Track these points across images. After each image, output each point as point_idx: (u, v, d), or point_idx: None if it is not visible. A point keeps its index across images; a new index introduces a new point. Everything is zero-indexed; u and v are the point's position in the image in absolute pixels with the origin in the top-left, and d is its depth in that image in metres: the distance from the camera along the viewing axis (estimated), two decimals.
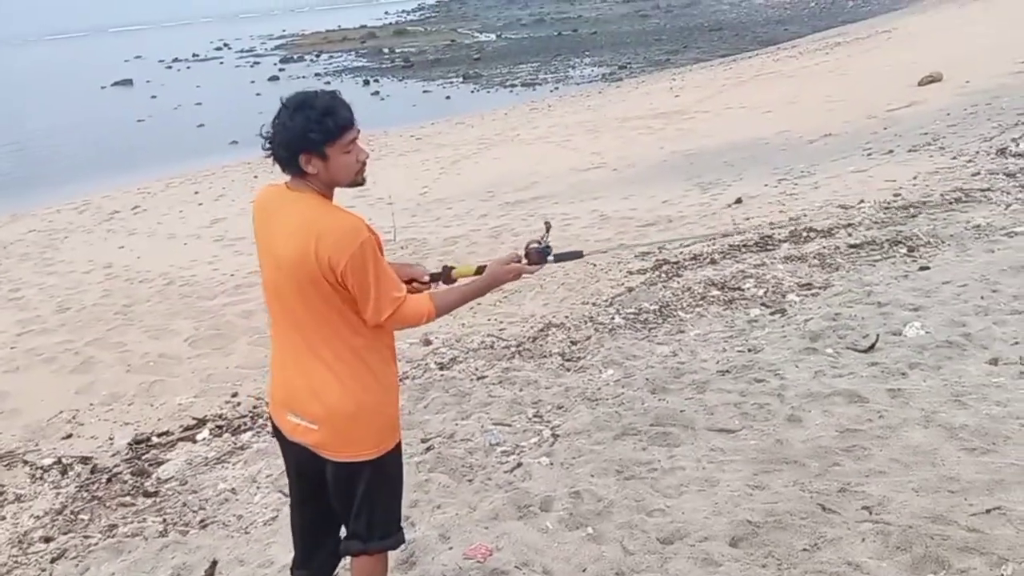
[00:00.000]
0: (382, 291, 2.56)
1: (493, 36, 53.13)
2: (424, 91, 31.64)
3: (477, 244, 9.33)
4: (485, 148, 17.03)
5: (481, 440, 4.58)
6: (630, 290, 6.92)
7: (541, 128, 18.86)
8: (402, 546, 2.97)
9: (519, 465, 4.20)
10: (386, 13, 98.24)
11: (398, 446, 2.81)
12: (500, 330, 6.52)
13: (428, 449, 4.55)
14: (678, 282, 6.83)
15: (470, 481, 4.16)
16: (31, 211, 15.87)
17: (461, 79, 33.66)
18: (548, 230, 3.03)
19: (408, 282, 2.91)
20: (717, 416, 4.39)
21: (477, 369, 5.71)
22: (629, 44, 40.41)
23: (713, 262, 7.24)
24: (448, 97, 29.27)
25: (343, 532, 2.91)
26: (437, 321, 6.60)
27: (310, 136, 2.49)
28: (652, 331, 5.93)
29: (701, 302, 6.28)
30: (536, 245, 2.92)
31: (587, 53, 38.64)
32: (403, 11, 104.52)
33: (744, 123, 15.37)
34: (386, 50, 49.46)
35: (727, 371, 4.94)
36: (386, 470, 2.78)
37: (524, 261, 2.89)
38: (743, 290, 6.36)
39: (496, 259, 2.89)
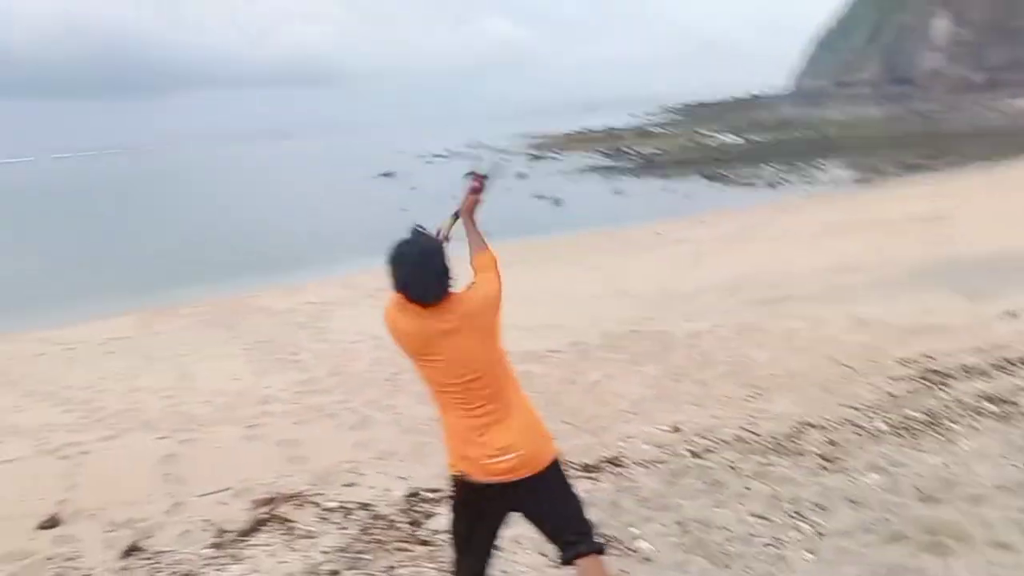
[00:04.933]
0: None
1: (738, 138, 53.07)
2: (664, 189, 32.01)
3: (724, 339, 9.38)
4: (728, 246, 17.05)
5: (739, 530, 4.63)
6: (892, 396, 6.77)
7: (788, 228, 18.67)
8: None
9: (781, 558, 4.23)
10: (630, 115, 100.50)
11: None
12: (752, 424, 6.54)
13: (685, 532, 4.66)
14: (946, 392, 6.62)
15: (728, 567, 4.23)
16: (303, 286, 17.40)
17: (703, 178, 33.81)
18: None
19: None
20: (997, 531, 4.23)
21: (731, 461, 5.75)
22: (881, 148, 38.96)
23: (984, 374, 6.95)
24: (689, 196, 29.46)
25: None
26: (687, 410, 6.78)
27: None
28: (918, 439, 5.77)
29: (973, 414, 6.04)
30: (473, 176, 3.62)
31: (835, 156, 37.70)
32: (647, 113, 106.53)
33: (1011, 232, 14.54)
34: (629, 150, 50.53)
35: (1006, 487, 4.73)
36: (562, 471, 3.44)
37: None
38: (1020, 406, 6.07)
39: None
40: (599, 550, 3.48)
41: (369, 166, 51.99)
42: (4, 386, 10.65)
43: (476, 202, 3.58)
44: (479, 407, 3.29)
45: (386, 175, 47.25)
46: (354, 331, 11.50)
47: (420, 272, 3.21)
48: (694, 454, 6.01)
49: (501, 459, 3.28)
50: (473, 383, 3.27)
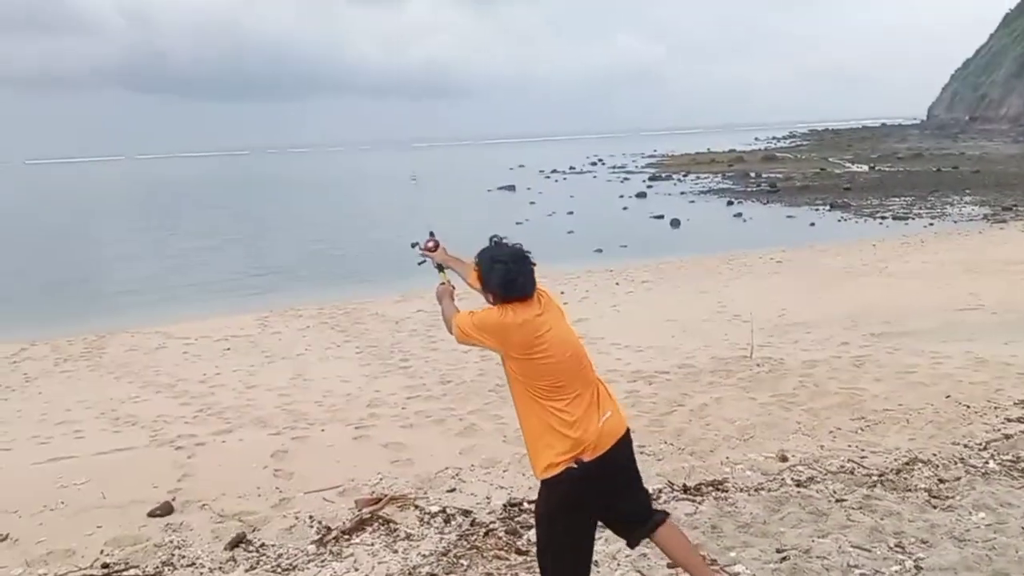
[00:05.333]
0: None
1: (866, 167, 51.66)
2: (788, 216, 31.38)
3: (838, 371, 9.17)
4: (850, 277, 16.61)
5: (838, 560, 4.55)
6: (1007, 437, 6.52)
7: (913, 263, 18.06)
8: None
9: None
10: (756, 139, 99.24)
11: None
12: (861, 457, 6.38)
13: (784, 559, 4.60)
14: None
15: None
16: (419, 294, 17.78)
17: (828, 207, 33.04)
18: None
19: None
20: None
21: (836, 492, 5.64)
22: (1016, 186, 37.16)
23: None
24: (812, 224, 28.78)
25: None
26: (795, 439, 6.65)
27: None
28: None
29: None
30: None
31: (968, 191, 36.20)
32: (774, 138, 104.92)
33: None
34: (752, 174, 49.85)
35: None
36: None
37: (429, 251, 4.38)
38: None
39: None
40: (668, 516, 3.92)
41: (491, 179, 52.82)
42: (124, 377, 11.26)
43: (443, 253, 4.35)
44: (586, 382, 3.66)
45: (507, 188, 47.89)
46: None
47: (524, 269, 3.64)
48: (798, 483, 5.91)
49: (605, 417, 3.64)
50: (575, 360, 3.64)
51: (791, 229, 27.74)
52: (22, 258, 29.46)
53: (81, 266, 27.24)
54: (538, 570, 3.93)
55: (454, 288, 4.22)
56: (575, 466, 3.55)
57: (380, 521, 5.62)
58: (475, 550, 5.05)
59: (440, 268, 4.32)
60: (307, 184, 72.18)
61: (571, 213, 34.34)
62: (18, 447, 8.16)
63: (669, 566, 4.61)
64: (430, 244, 4.39)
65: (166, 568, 5.19)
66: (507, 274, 3.61)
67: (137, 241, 33.84)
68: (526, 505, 5.65)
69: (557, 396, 3.58)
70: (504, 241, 3.79)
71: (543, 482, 3.67)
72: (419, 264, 4.49)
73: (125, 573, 5.14)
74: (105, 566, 5.25)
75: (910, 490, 5.60)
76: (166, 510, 6.09)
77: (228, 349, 12.77)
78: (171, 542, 5.58)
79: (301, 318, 15.37)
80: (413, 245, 4.45)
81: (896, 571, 4.35)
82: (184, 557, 5.34)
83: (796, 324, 12.32)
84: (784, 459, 6.48)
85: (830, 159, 60.11)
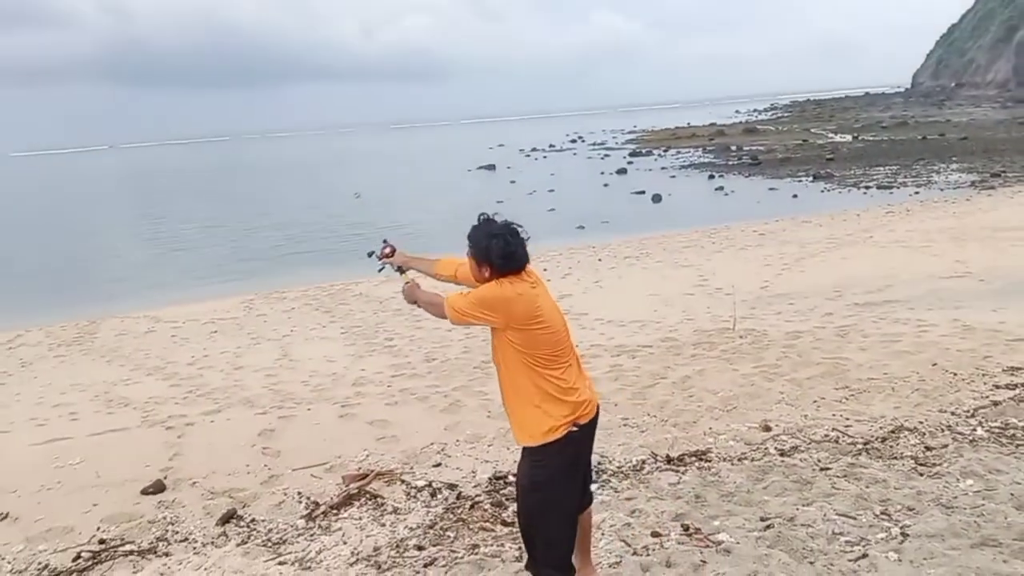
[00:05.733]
0: None
1: (849, 137, 51.63)
2: (770, 188, 31.30)
3: (822, 341, 9.20)
4: (834, 248, 16.64)
5: (823, 527, 4.58)
6: (996, 404, 6.55)
7: (898, 232, 18.09)
8: None
9: (864, 556, 4.17)
10: (737, 112, 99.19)
11: None
12: (846, 426, 6.42)
13: (768, 527, 4.63)
14: None
15: (811, 563, 4.20)
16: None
17: (811, 178, 33.01)
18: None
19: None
20: None
21: (820, 460, 5.68)
22: (1005, 151, 37.00)
23: None
24: (795, 195, 28.72)
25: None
26: (778, 409, 6.68)
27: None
28: (1019, 448, 5.58)
29: None
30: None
31: (954, 158, 36.08)
32: (755, 110, 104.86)
33: None
34: (734, 147, 49.78)
35: None
36: None
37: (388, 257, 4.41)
38: None
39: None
40: None
41: (471, 159, 52.67)
42: (116, 361, 11.25)
43: (401, 256, 4.40)
44: (572, 352, 3.81)
45: (487, 168, 47.80)
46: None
47: (519, 241, 3.72)
48: (782, 452, 5.95)
49: (589, 387, 3.83)
50: (565, 332, 3.79)
51: (774, 201, 27.66)
52: (13, 247, 29.28)
53: (71, 254, 27.05)
54: (523, 540, 3.95)
55: (419, 284, 4.23)
56: (575, 429, 3.68)
57: (367, 496, 5.66)
58: (461, 522, 5.10)
59: (401, 270, 4.39)
60: (288, 168, 71.74)
61: (552, 191, 34.23)
62: (16, 429, 8.21)
63: (653, 535, 4.64)
64: (387, 250, 4.44)
65: (160, 543, 5.26)
66: (506, 246, 3.67)
67: (124, 228, 33.68)
68: (511, 478, 5.65)
69: (555, 364, 3.68)
70: (494, 217, 3.82)
71: (539, 449, 3.69)
72: (379, 271, 4.55)
73: (121, 548, 5.21)
74: (102, 542, 5.34)
75: (896, 458, 5.63)
76: (158, 488, 6.16)
77: (215, 332, 12.74)
78: (164, 518, 5.66)
79: (286, 300, 15.33)
80: (370, 255, 4.50)
81: (882, 538, 4.38)
82: (177, 532, 5.42)
83: (779, 296, 12.34)
84: (767, 429, 6.51)
85: (812, 130, 60.03)
